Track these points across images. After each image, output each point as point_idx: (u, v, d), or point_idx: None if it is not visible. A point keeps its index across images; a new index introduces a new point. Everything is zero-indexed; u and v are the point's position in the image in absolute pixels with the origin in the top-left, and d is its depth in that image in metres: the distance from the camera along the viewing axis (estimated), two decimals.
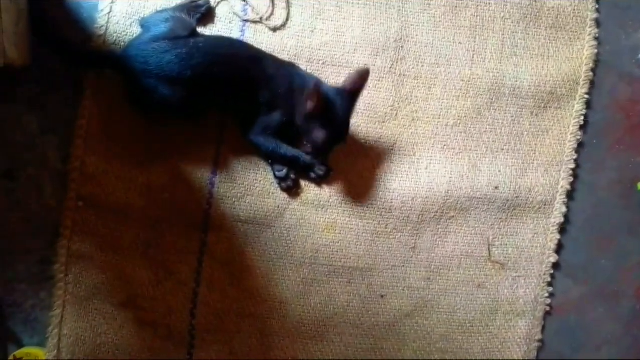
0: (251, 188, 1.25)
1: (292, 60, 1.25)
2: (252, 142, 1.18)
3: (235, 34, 1.27)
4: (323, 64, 1.29)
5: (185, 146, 1.24)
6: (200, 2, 1.24)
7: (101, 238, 1.20)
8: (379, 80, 1.30)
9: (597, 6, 1.36)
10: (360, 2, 1.30)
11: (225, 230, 1.24)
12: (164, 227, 1.23)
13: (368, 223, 1.29)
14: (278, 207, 1.26)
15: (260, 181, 1.26)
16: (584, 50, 1.36)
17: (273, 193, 1.26)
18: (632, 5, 1.37)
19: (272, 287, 1.25)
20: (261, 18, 1.27)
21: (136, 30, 1.22)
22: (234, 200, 1.25)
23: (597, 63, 1.36)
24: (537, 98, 1.34)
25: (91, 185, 1.20)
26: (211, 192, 1.24)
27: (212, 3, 1.26)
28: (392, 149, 1.30)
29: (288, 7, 1.28)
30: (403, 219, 1.29)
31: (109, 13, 1.24)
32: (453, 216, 1.31)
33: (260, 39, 1.27)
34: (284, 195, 1.26)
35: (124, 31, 1.23)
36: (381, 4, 1.30)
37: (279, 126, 1.15)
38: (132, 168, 1.22)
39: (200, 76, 1.08)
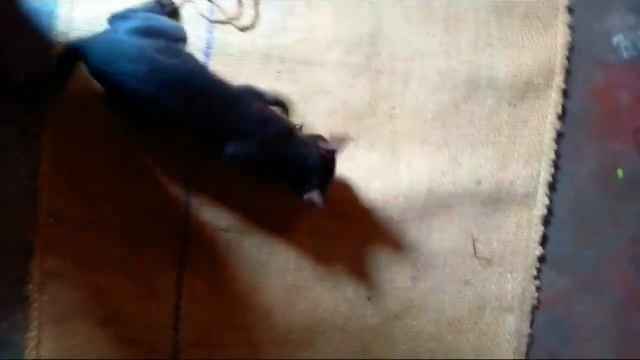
0: (230, 194, 1.44)
1: (264, 61, 1.46)
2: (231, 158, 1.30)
3: (202, 36, 1.45)
4: (297, 63, 1.48)
5: (160, 155, 1.40)
6: (164, 2, 1.44)
7: (76, 255, 1.37)
8: (354, 78, 1.51)
9: None
10: None
11: (205, 240, 1.42)
12: (141, 241, 1.40)
13: (350, 225, 1.50)
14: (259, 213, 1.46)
15: (239, 187, 1.45)
16: (558, 38, 1.60)
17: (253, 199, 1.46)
18: None
19: (257, 296, 1.44)
20: (229, 18, 1.47)
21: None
22: (213, 207, 1.43)
23: (572, 51, 1.60)
24: (514, 89, 1.58)
25: (62, 201, 1.36)
26: (188, 201, 1.43)
27: (177, 3, 1.46)
28: (371, 147, 1.51)
29: (256, 6, 1.48)
30: (386, 219, 1.51)
31: (68, 19, 1.40)
32: (436, 213, 1.54)
33: (230, 40, 1.46)
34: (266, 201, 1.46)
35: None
36: None
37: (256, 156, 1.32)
38: (104, 181, 1.38)
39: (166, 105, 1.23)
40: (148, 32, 1.24)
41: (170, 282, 1.42)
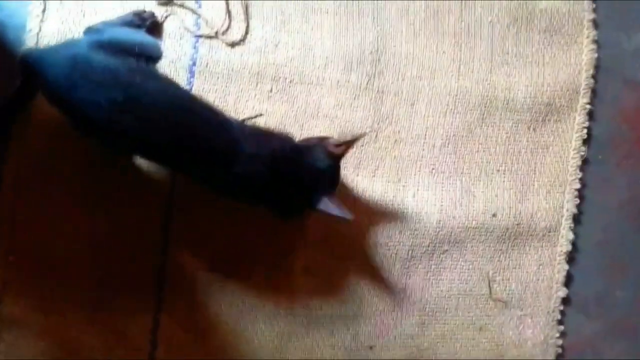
0: (212, 230, 1.31)
1: (254, 80, 1.34)
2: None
3: (187, 52, 1.33)
4: (290, 81, 1.36)
5: (134, 186, 1.28)
6: (144, 14, 1.30)
7: (38, 298, 1.24)
8: (354, 99, 1.37)
9: (593, 6, 1.45)
10: (330, 10, 1.37)
11: (183, 281, 1.29)
12: (112, 283, 1.27)
13: (349, 263, 1.35)
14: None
15: (223, 222, 1.31)
16: (583, 55, 1.46)
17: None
18: (632, 5, 1.48)
19: (242, 345, 1.30)
20: (216, 32, 1.34)
21: None
22: (192, 246, 1.30)
23: (598, 69, 1.46)
24: (533, 111, 1.43)
25: (24, 236, 1.24)
26: (166, 238, 1.29)
27: (159, 17, 1.32)
28: (373, 176, 1.37)
29: (247, 19, 1.35)
30: (390, 256, 1.36)
31: (38, 33, 1.29)
32: (447, 250, 1.39)
33: (217, 57, 1.33)
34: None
35: None
36: (353, 12, 1.38)
37: None
38: (72, 215, 1.26)
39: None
40: (114, 48, 1.05)
41: (145, 329, 1.28)
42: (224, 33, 1.35)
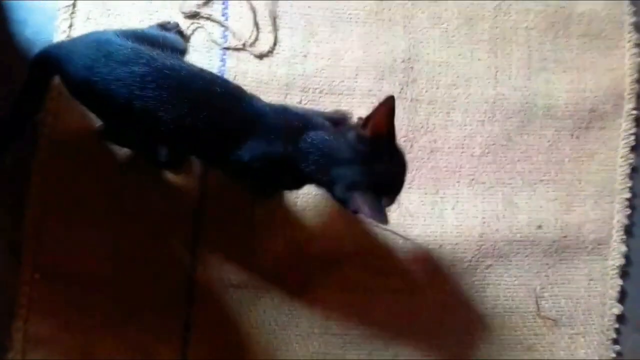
0: (243, 244, 1.26)
1: (283, 91, 1.31)
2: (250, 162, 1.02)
3: (214, 64, 1.30)
4: (320, 92, 1.32)
5: (161, 200, 1.24)
6: (169, 25, 1.27)
7: (64, 316, 1.20)
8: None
9: (634, 9, 1.40)
10: (359, 19, 1.34)
11: (213, 298, 1.24)
12: (139, 300, 1.22)
13: (387, 280, 1.28)
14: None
15: (254, 237, 1.26)
16: (625, 59, 1.40)
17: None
18: None
19: None
20: (244, 44, 1.31)
21: None
22: (222, 260, 1.25)
23: None
24: (576, 118, 1.37)
25: (49, 254, 1.21)
26: (194, 253, 1.24)
27: (186, 29, 1.30)
28: (409, 188, 1.30)
29: (275, 30, 1.32)
30: (429, 272, 1.29)
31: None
32: (490, 265, 1.31)
33: (245, 68, 1.30)
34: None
35: None
36: (383, 20, 1.34)
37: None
38: (97, 231, 1.23)
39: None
40: (138, 38, 1.02)
41: (174, 348, 1.22)
42: (251, 45, 1.32)
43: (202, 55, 1.31)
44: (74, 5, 1.29)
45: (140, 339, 1.21)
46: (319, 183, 1.02)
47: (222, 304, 1.23)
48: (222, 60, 1.31)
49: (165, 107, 0.96)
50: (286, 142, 1.00)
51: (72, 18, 1.30)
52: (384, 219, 0.93)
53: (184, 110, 0.96)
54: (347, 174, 0.96)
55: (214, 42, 1.31)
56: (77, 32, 1.28)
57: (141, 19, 1.30)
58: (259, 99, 1.06)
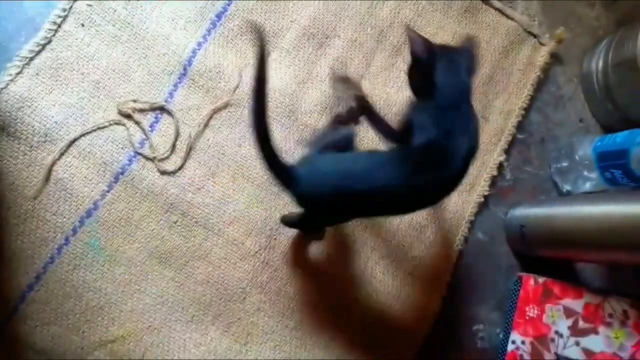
0: (62, 318, 1.36)
1: (165, 208, 1.46)
2: None
3: (121, 160, 1.45)
4: (196, 222, 1.48)
5: None
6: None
7: None
8: (241, 260, 1.48)
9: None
10: (255, 182, 1.53)
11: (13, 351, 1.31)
12: None
13: None
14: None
15: (77, 314, 1.37)
16: None
17: (84, 331, 1.37)
18: (481, 280, 1.71)
19: None
20: (154, 157, 1.47)
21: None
22: (37, 324, 1.34)
23: None
24: None
25: None
26: (17, 307, 1.33)
27: (105, 122, 1.45)
28: (225, 331, 1.47)
29: (185, 157, 1.50)
30: None
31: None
32: None
33: (144, 175, 1.45)
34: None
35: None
36: (273, 192, 1.54)
37: None
38: None
39: None
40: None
41: None
42: (160, 160, 1.47)
43: (116, 147, 1.45)
44: None
45: None
46: None
47: None
48: (130, 160, 1.46)
49: None
50: None
51: None
52: None
53: None
54: None
55: (131, 143, 1.46)
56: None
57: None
58: None
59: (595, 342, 1.42)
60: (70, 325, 1.37)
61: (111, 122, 1.45)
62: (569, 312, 1.46)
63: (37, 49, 1.44)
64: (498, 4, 1.76)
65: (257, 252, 1.52)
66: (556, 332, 1.46)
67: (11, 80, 1.41)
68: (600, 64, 1.69)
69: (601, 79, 1.69)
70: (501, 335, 1.56)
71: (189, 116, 1.51)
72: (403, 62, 1.67)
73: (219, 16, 1.57)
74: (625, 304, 1.43)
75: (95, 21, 1.48)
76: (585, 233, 1.37)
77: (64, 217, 1.40)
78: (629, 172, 1.43)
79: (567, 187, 1.66)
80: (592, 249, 1.40)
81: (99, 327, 1.39)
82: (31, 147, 1.40)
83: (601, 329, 1.43)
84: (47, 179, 1.40)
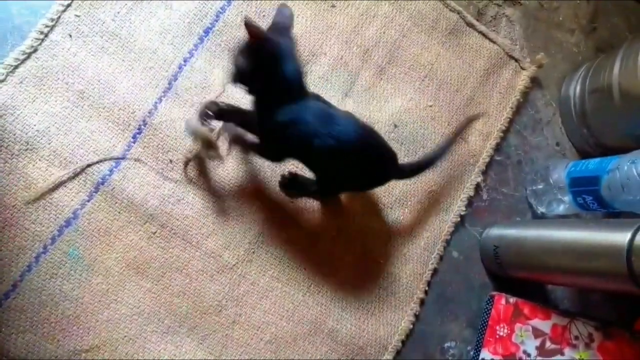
0: (37, 326, 1.36)
1: (144, 219, 1.47)
2: None
3: (101, 171, 1.45)
4: (175, 234, 1.48)
5: None
6: None
7: None
8: (218, 273, 1.49)
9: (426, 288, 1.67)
10: (235, 195, 1.54)
11: None
12: None
13: None
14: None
15: (52, 323, 1.37)
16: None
17: (59, 340, 1.37)
18: (454, 298, 1.69)
19: None
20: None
21: None
22: (12, 331, 1.34)
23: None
24: None
25: None
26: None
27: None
28: (200, 343, 1.47)
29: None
30: None
31: None
32: None
33: (125, 186, 1.44)
34: None
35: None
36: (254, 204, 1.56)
37: None
38: None
39: None
40: None
41: None
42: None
43: (96, 156, 1.45)
44: None
45: None
46: None
47: None
48: (111, 170, 1.48)
49: None
50: None
51: None
52: None
53: None
54: None
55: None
56: None
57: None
58: None
59: None
60: (45, 333, 1.36)
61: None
62: (537, 333, 1.48)
63: (22, 57, 1.43)
64: (482, 28, 1.78)
65: (234, 265, 1.52)
66: (524, 352, 1.47)
67: None
68: (578, 89, 1.72)
69: (578, 105, 1.71)
70: (472, 353, 1.57)
71: (172, 128, 1.50)
72: (387, 81, 1.67)
73: (206, 31, 1.58)
74: (591, 326, 1.45)
75: (82, 32, 1.48)
76: (553, 257, 1.40)
77: (43, 226, 1.39)
78: (599, 198, 1.46)
79: (541, 209, 1.69)
80: (559, 273, 1.43)
81: (74, 336, 1.38)
82: (12, 154, 1.39)
83: (567, 350, 1.45)
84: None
